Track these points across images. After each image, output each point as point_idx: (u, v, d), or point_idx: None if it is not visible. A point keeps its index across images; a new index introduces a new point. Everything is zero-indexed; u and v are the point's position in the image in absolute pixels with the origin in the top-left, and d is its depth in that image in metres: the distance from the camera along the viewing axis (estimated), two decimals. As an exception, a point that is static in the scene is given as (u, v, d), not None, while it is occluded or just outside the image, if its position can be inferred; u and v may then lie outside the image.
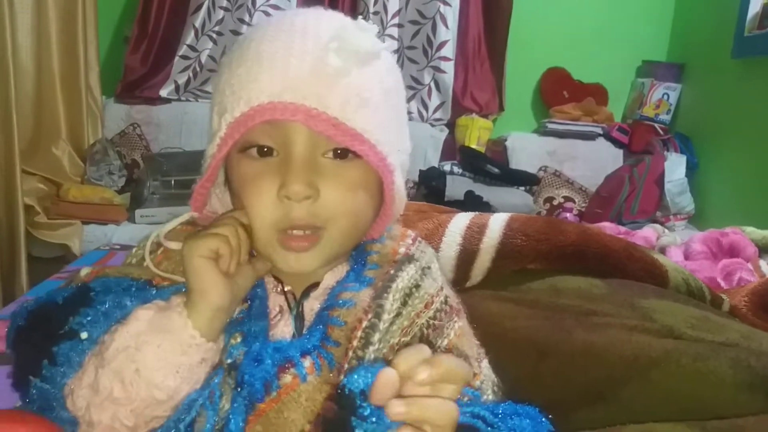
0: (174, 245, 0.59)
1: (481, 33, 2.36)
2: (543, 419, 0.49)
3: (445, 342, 0.58)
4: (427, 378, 0.43)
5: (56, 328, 0.53)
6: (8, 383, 0.54)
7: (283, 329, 0.57)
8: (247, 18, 2.24)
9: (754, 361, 0.54)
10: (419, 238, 0.65)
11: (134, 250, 0.63)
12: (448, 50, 2.30)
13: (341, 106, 0.52)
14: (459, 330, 0.60)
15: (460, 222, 0.82)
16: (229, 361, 0.52)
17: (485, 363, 0.60)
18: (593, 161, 2.32)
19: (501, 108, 2.38)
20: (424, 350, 0.45)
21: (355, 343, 0.54)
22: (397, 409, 0.42)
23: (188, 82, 2.23)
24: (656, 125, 2.38)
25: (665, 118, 2.40)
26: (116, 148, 2.11)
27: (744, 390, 0.53)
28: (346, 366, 0.52)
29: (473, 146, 2.23)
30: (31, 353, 0.53)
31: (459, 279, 0.79)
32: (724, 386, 0.53)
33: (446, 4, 2.28)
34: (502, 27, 2.33)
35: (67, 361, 0.51)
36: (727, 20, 1.99)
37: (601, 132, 2.37)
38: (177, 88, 2.22)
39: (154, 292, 0.56)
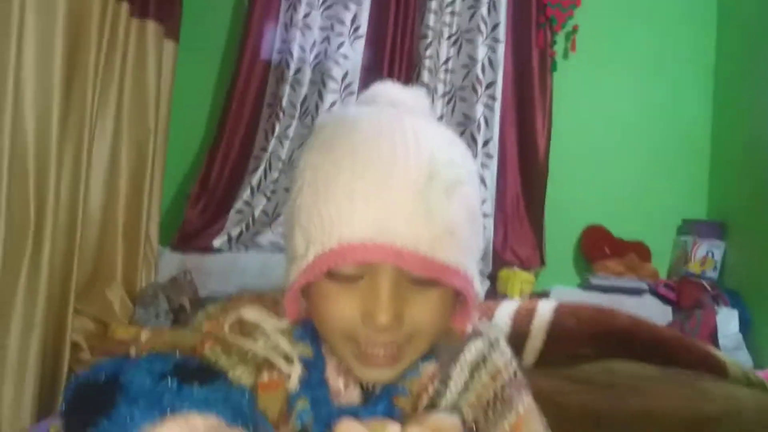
0: (257, 347, 0.59)
1: (519, 193, 2.46)
2: None
3: (514, 416, 0.56)
4: None
5: (88, 419, 0.51)
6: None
7: (348, 401, 0.56)
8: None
9: None
10: (483, 318, 0.64)
11: (202, 313, 0.63)
12: (487, 207, 2.39)
13: (431, 242, 0.52)
14: (528, 405, 0.57)
15: (508, 307, 0.81)
16: (299, 424, 0.52)
17: None
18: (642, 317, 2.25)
19: (542, 262, 2.40)
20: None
21: (420, 409, 0.53)
22: None
23: (240, 234, 2.36)
24: (704, 282, 2.33)
25: (712, 274, 2.35)
26: (166, 293, 2.19)
27: None
28: None
29: (516, 298, 2.22)
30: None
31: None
32: None
33: (485, 166, 2.42)
34: (539, 188, 2.43)
35: None
36: (763, 176, 2.04)
37: (647, 288, 2.33)
38: (230, 240, 2.35)
39: (190, 392, 0.52)
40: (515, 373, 0.60)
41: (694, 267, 2.37)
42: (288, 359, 0.57)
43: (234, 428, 0.49)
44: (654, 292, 2.33)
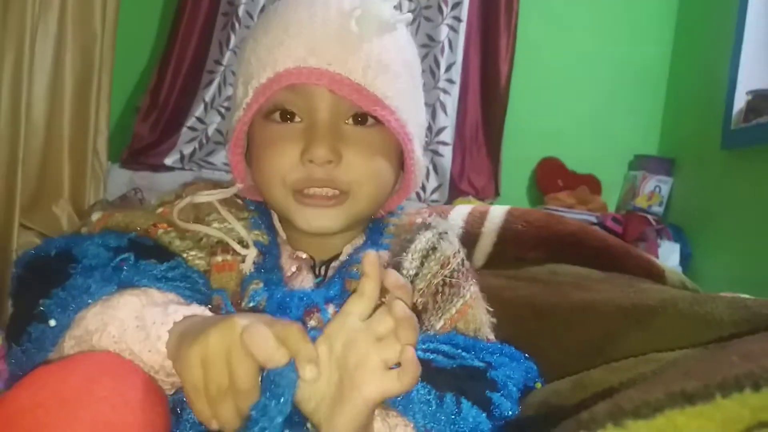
0: (200, 228, 0.60)
1: (479, 121, 2.46)
2: (524, 360, 0.49)
3: (461, 302, 0.59)
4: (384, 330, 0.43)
5: (41, 291, 0.52)
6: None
7: (301, 285, 0.58)
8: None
9: (750, 302, 0.53)
10: (434, 213, 0.66)
11: (154, 200, 0.65)
12: (447, 135, 2.39)
13: (363, 71, 0.55)
14: (474, 294, 0.61)
15: (462, 210, 0.84)
16: (251, 305, 0.52)
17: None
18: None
19: (497, 193, 2.43)
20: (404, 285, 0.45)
21: None
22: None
23: (194, 152, 2.28)
24: (649, 216, 2.43)
25: (658, 209, 2.44)
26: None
27: (742, 327, 0.52)
28: None
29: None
30: (23, 309, 0.53)
31: (461, 262, 0.80)
32: (723, 325, 0.53)
33: (446, 92, 2.39)
34: (498, 116, 2.43)
35: (39, 344, 0.50)
36: (714, 115, 2.09)
37: (596, 221, 2.41)
38: (182, 158, 2.27)
39: (149, 268, 0.54)
40: (462, 262, 0.63)
41: (641, 201, 2.45)
42: (242, 243, 0.59)
43: (191, 306, 0.50)
44: (602, 225, 2.40)
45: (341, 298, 0.55)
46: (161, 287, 0.52)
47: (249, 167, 0.63)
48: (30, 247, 1.76)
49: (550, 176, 2.49)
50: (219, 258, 0.59)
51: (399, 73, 0.58)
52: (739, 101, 1.99)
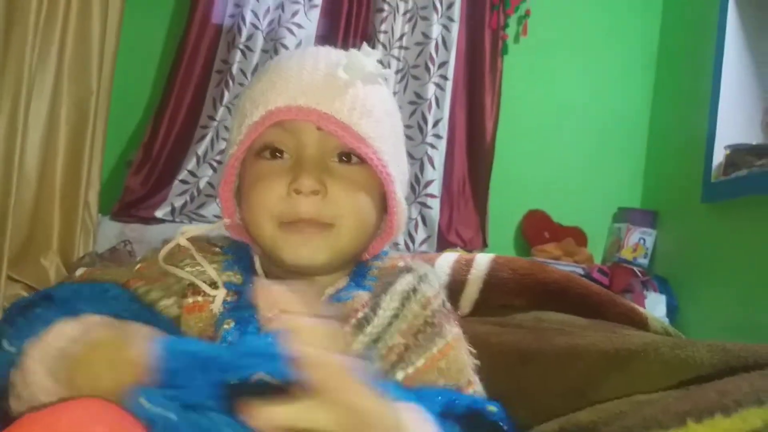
0: (178, 272, 0.63)
1: (466, 174, 2.51)
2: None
3: (442, 343, 0.60)
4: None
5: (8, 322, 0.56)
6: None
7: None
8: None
9: (729, 345, 0.55)
10: (420, 259, 0.68)
11: (141, 256, 0.68)
12: (435, 188, 2.43)
13: (349, 112, 0.59)
14: (456, 335, 0.62)
15: (448, 257, 0.86)
16: (225, 344, 0.53)
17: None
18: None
19: (485, 244, 2.46)
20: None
21: (346, 328, 0.55)
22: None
23: (185, 205, 2.30)
24: (635, 268, 2.45)
25: (643, 261, 2.47)
26: (104, 263, 2.13)
27: (722, 370, 0.53)
28: None
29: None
30: None
31: (447, 310, 0.81)
32: (703, 368, 0.54)
33: (434, 147, 2.44)
34: (484, 170, 2.48)
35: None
36: (695, 168, 2.15)
37: (583, 273, 2.43)
38: (173, 210, 2.29)
39: (112, 299, 0.58)
40: (443, 303, 0.64)
41: (626, 253, 2.48)
42: (213, 285, 0.61)
43: (124, 323, 0.53)
44: (589, 277, 2.43)
45: None
46: (100, 309, 0.54)
47: (238, 206, 0.66)
48: (16, 298, 1.75)
49: (537, 228, 2.53)
50: (190, 299, 0.61)
51: (381, 119, 0.62)
52: (718, 155, 2.05)
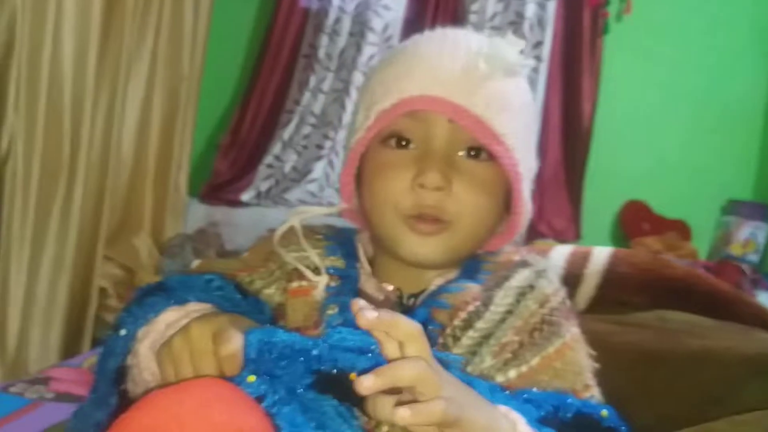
0: (285, 255, 0.63)
1: (560, 161, 2.38)
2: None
3: (559, 342, 0.56)
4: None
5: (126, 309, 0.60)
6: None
7: None
8: (332, 134, 2.36)
9: None
10: (534, 252, 0.63)
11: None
12: (525, 175, 2.32)
13: (485, 106, 0.57)
14: (575, 335, 0.58)
15: (562, 250, 0.80)
16: (328, 330, 0.51)
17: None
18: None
19: (578, 236, 2.34)
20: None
21: (455, 322, 0.53)
22: (366, 383, 0.41)
23: (270, 189, 2.32)
24: (744, 265, 2.26)
25: (753, 258, 2.28)
26: (193, 245, 2.16)
27: None
28: (440, 342, 0.53)
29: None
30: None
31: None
32: None
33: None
34: (580, 157, 2.36)
35: (110, 350, 0.58)
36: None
37: (686, 268, 2.27)
38: (258, 194, 2.30)
39: (215, 290, 0.60)
40: (564, 301, 0.61)
41: (735, 249, 2.30)
42: (316, 270, 0.61)
43: (226, 313, 0.54)
44: (704, 273, 2.26)
45: (426, 326, 0.53)
46: (202, 299, 0.57)
47: (357, 191, 0.65)
48: (111, 278, 1.81)
49: (636, 220, 2.38)
50: (294, 284, 0.62)
51: (517, 114, 0.60)
52: None
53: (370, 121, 0.59)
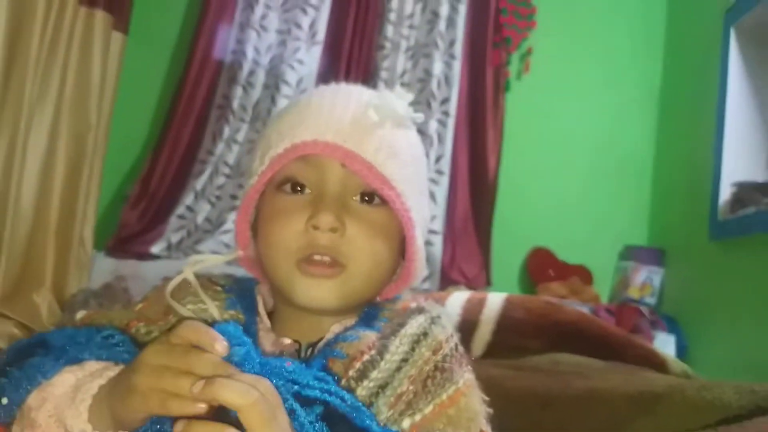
0: (180, 309, 0.61)
1: (469, 211, 2.47)
2: None
3: (453, 389, 0.57)
4: None
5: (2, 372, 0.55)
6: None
7: None
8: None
9: (756, 387, 0.51)
10: (431, 299, 0.65)
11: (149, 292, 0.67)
12: (437, 224, 2.39)
13: (375, 152, 0.59)
14: (469, 381, 0.59)
15: (459, 296, 0.82)
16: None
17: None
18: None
19: (488, 282, 2.41)
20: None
21: (350, 373, 0.53)
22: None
23: (181, 241, 2.26)
24: (642, 307, 2.40)
25: (650, 300, 2.42)
26: (98, 300, 2.07)
27: (751, 410, 0.49)
28: None
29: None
30: None
31: (459, 352, 0.78)
32: (731, 410, 0.50)
33: (436, 183, 2.41)
34: (487, 206, 2.45)
35: None
36: (701, 205, 2.11)
37: (589, 312, 2.38)
38: (169, 246, 2.25)
39: (91, 343, 0.57)
40: (456, 347, 0.62)
41: (633, 292, 2.43)
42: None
43: (119, 366, 0.53)
44: (595, 316, 2.37)
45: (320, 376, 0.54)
46: (100, 357, 0.55)
47: (254, 238, 0.64)
48: (8, 337, 1.70)
49: (541, 266, 2.48)
50: None
51: (407, 163, 0.62)
52: (725, 192, 2.02)
53: (264, 166, 0.60)
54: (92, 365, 0.54)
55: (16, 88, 1.75)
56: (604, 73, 2.59)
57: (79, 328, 0.60)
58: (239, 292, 0.65)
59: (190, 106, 2.37)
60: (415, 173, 0.63)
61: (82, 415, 0.50)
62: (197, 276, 0.64)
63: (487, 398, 0.61)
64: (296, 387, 0.46)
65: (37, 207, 2.01)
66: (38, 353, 0.55)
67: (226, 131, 2.36)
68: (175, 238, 2.25)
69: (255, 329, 0.61)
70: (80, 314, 0.63)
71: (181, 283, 0.62)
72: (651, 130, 2.60)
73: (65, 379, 0.53)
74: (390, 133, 0.60)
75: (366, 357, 0.56)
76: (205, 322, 0.57)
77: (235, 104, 2.37)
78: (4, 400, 0.53)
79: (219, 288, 0.65)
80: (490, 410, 0.60)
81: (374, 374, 0.55)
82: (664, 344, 2.20)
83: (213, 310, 0.61)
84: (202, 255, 0.66)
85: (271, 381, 0.45)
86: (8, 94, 1.73)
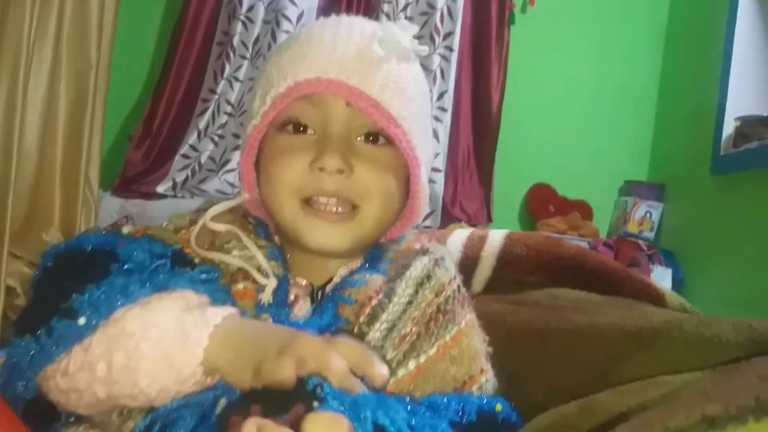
0: (220, 227, 0.60)
1: (471, 148, 2.47)
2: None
3: (455, 330, 0.58)
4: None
5: (68, 290, 0.50)
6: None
7: (297, 314, 0.57)
8: (248, 123, 2.34)
9: (754, 324, 0.53)
10: (433, 239, 0.67)
11: (166, 222, 0.63)
12: (439, 162, 2.40)
13: (381, 88, 0.57)
14: (470, 321, 0.61)
15: (460, 234, 0.84)
16: None
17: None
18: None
19: (489, 219, 2.44)
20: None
21: (361, 319, 0.54)
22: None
23: (186, 180, 2.28)
24: (640, 242, 2.44)
25: (649, 235, 2.46)
26: (109, 238, 2.11)
27: (749, 349, 0.51)
28: None
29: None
30: (47, 302, 0.50)
31: (460, 288, 0.80)
32: (729, 347, 0.52)
33: (438, 120, 2.40)
34: (490, 143, 2.45)
35: (60, 340, 0.48)
36: (704, 141, 2.11)
37: (588, 246, 2.42)
38: (174, 186, 2.26)
39: (183, 272, 0.53)
40: (458, 288, 0.62)
41: (632, 227, 2.47)
42: (263, 273, 0.58)
43: (226, 307, 0.50)
44: (594, 251, 2.41)
45: (334, 325, 0.55)
46: (197, 289, 0.51)
47: (258, 179, 0.63)
48: (19, 276, 1.74)
49: (542, 202, 2.50)
50: (240, 285, 0.58)
51: (413, 98, 0.59)
52: (728, 127, 2.02)
53: (266, 106, 0.57)
54: (191, 297, 0.50)
55: (13, 27, 1.73)
56: (610, 6, 2.54)
57: (145, 239, 0.56)
58: (272, 241, 0.63)
59: (190, 44, 2.34)
60: (420, 110, 0.61)
61: (198, 356, 0.46)
62: (225, 215, 0.61)
63: (487, 337, 0.62)
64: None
65: (42, 147, 2.02)
66: (109, 267, 0.50)
67: (227, 68, 2.34)
68: (179, 178, 2.27)
69: (287, 278, 0.60)
70: (127, 228, 0.60)
71: (203, 228, 0.60)
72: (656, 65, 2.57)
73: (166, 306, 0.48)
74: (396, 68, 0.58)
75: (374, 301, 0.56)
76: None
77: (236, 40, 2.34)
78: (82, 320, 0.47)
79: (251, 227, 0.62)
80: (490, 349, 0.62)
81: (384, 316, 0.56)
82: (661, 278, 2.25)
83: (261, 260, 0.59)
84: (216, 206, 0.62)
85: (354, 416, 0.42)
86: (6, 33, 1.71)
